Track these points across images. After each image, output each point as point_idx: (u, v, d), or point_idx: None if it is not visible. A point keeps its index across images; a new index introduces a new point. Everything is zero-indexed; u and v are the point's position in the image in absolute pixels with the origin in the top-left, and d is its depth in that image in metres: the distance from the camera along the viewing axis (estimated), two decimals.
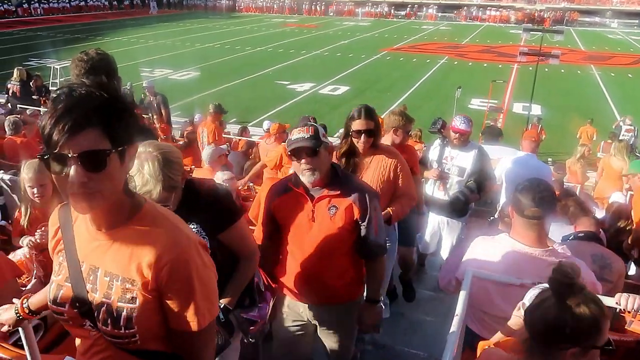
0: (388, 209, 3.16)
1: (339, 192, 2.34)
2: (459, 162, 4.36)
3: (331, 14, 51.59)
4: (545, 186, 2.20)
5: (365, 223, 2.34)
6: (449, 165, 4.41)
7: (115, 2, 53.97)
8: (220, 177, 4.33)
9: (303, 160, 2.26)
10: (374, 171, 3.18)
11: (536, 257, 2.17)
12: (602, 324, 1.39)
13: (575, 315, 1.37)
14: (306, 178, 2.30)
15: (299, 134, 2.27)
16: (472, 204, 4.61)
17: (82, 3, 50.78)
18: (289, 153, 2.32)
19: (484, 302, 2.29)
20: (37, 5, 46.90)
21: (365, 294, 2.60)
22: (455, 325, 2.01)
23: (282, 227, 2.49)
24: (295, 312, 2.59)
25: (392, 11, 51.15)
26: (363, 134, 3.09)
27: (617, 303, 2.04)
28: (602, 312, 1.39)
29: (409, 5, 50.94)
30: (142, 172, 1.83)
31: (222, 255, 2.02)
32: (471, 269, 2.23)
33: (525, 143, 4.99)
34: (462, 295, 2.16)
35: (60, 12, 47.57)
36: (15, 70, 10.72)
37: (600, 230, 3.43)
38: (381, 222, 2.46)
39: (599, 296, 1.59)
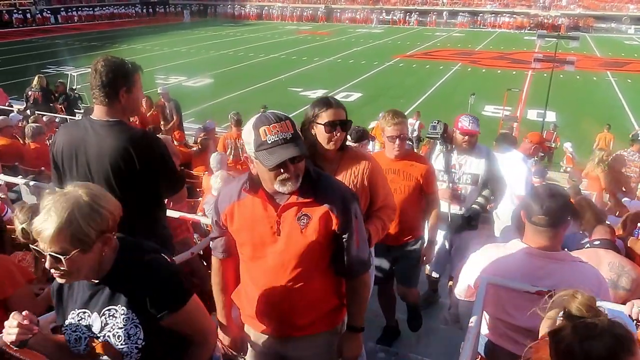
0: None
1: (311, 199, 1.84)
2: (471, 169, 3.78)
3: (346, 21, 51.54)
4: (558, 194, 2.16)
5: (345, 235, 1.89)
6: (459, 174, 3.81)
7: (151, 10, 55.84)
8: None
9: (285, 169, 1.74)
10: (342, 180, 2.45)
11: (549, 263, 2.14)
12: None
13: (584, 349, 1.21)
14: (286, 188, 1.77)
15: (276, 135, 1.69)
16: None
17: (115, 10, 52.66)
18: (269, 166, 1.71)
19: (498, 310, 2.27)
20: (74, 12, 48.90)
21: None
22: (470, 333, 2.00)
23: (237, 243, 2.00)
24: (263, 346, 2.11)
25: (431, 18, 49.60)
26: (338, 126, 2.34)
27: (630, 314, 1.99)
28: (621, 345, 1.20)
29: (435, 13, 50.13)
30: (53, 207, 1.47)
31: (163, 346, 1.70)
32: (486, 277, 2.22)
33: (522, 143, 4.97)
34: (477, 303, 2.15)
35: (98, 19, 49.71)
36: (36, 77, 11.04)
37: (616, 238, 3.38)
38: (363, 232, 1.99)
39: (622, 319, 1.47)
